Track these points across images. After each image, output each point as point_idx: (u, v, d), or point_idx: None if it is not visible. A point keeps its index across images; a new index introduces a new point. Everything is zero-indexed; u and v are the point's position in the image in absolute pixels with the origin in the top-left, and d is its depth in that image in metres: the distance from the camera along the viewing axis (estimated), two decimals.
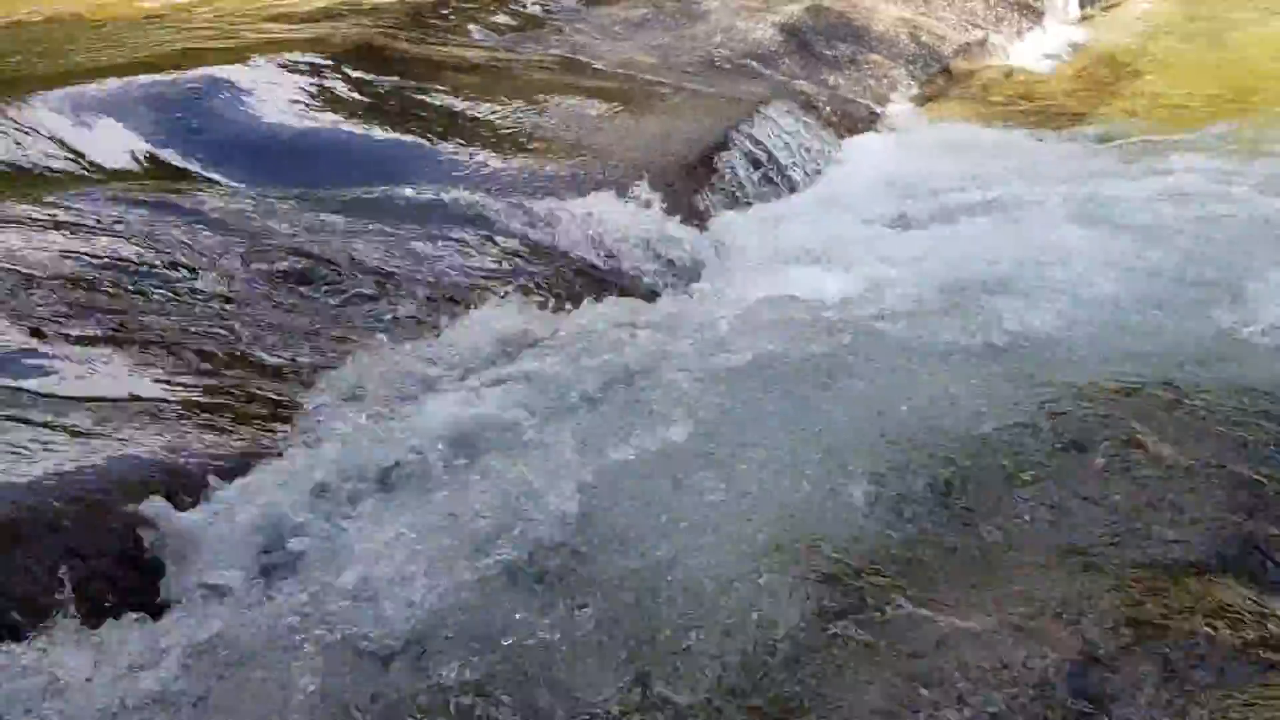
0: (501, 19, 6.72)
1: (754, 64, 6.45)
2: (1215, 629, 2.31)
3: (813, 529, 2.45)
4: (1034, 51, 7.06)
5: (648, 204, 4.24)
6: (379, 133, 4.89)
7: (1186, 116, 5.84)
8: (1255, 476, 2.77)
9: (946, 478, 2.63)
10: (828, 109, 5.96)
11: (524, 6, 6.90)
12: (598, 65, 6.12)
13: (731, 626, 2.26)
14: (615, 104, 5.47)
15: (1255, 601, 2.41)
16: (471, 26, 6.53)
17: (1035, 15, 7.40)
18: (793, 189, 4.99)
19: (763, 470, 2.52)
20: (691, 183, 4.74)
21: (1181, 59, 6.89)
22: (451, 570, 2.25)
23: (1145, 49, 7.12)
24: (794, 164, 5.20)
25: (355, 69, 5.41)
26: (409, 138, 4.85)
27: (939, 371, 2.99)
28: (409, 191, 4.15)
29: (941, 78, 6.71)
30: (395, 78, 5.43)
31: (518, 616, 2.21)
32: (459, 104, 5.23)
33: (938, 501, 2.58)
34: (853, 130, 5.75)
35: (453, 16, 6.56)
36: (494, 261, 3.66)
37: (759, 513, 2.48)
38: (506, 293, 3.34)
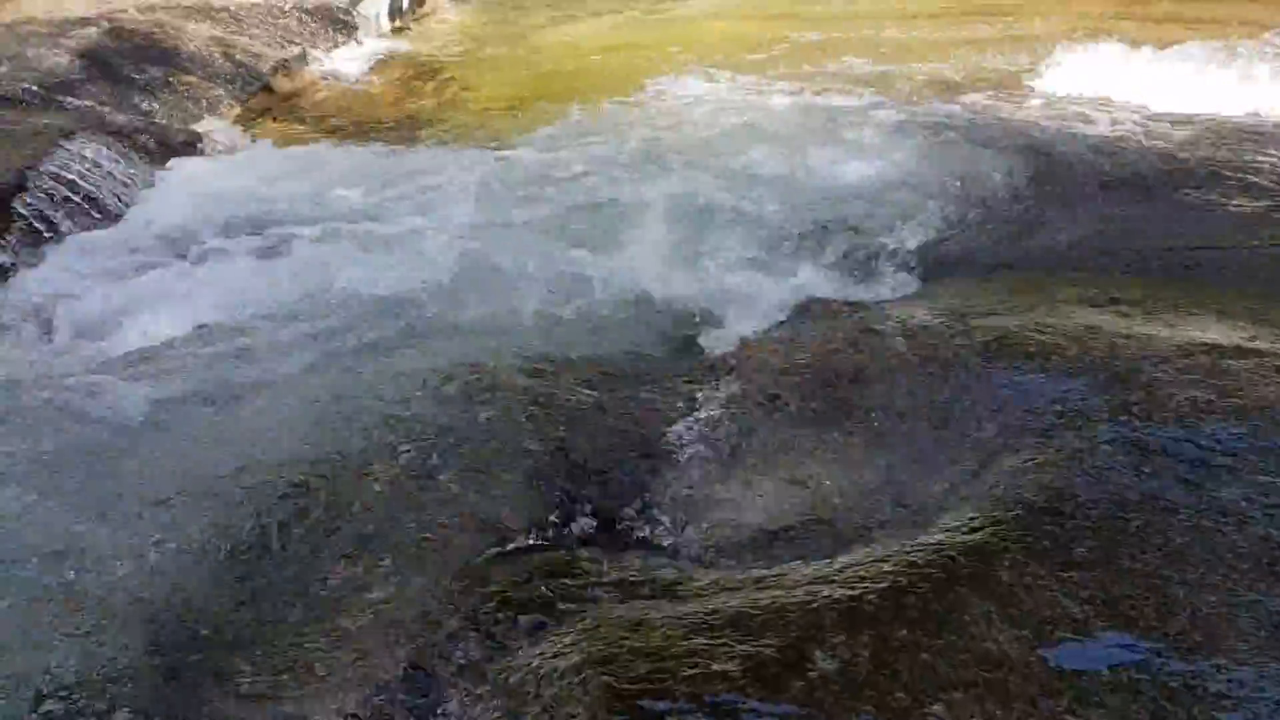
0: None
1: (53, 94, 5.91)
2: (541, 589, 2.55)
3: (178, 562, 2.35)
4: (352, 64, 7.24)
5: None
6: None
7: (493, 114, 6.35)
8: (570, 448, 3.09)
9: (295, 501, 2.68)
10: (143, 135, 5.63)
11: None
12: None
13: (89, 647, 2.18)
14: None
15: (576, 556, 2.70)
16: None
17: (349, 29, 7.59)
18: (106, 222, 4.66)
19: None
20: None
21: (487, 63, 7.46)
22: None
23: (455, 56, 7.61)
24: (106, 196, 4.86)
25: None
26: None
27: (263, 395, 3.00)
28: None
29: (264, 95, 6.65)
30: None
31: None
32: None
33: (285, 529, 2.61)
34: (172, 155, 5.49)
35: None
36: None
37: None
38: None
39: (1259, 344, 3.06)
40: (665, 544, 2.76)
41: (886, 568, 2.39)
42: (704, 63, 6.80)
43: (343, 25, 7.63)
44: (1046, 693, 1.99)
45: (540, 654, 2.24)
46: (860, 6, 8.14)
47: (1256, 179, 4.54)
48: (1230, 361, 2.94)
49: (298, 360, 3.48)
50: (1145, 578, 2.25)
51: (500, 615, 2.44)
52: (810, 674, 2.08)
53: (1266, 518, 2.38)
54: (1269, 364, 2.91)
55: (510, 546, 2.67)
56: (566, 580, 2.54)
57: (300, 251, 4.12)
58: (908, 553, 2.44)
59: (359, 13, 7.82)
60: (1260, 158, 4.75)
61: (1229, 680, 2.00)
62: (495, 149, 5.61)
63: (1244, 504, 2.43)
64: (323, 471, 2.94)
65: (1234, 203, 4.36)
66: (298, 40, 7.27)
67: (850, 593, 2.31)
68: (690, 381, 3.28)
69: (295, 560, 2.66)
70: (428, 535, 2.73)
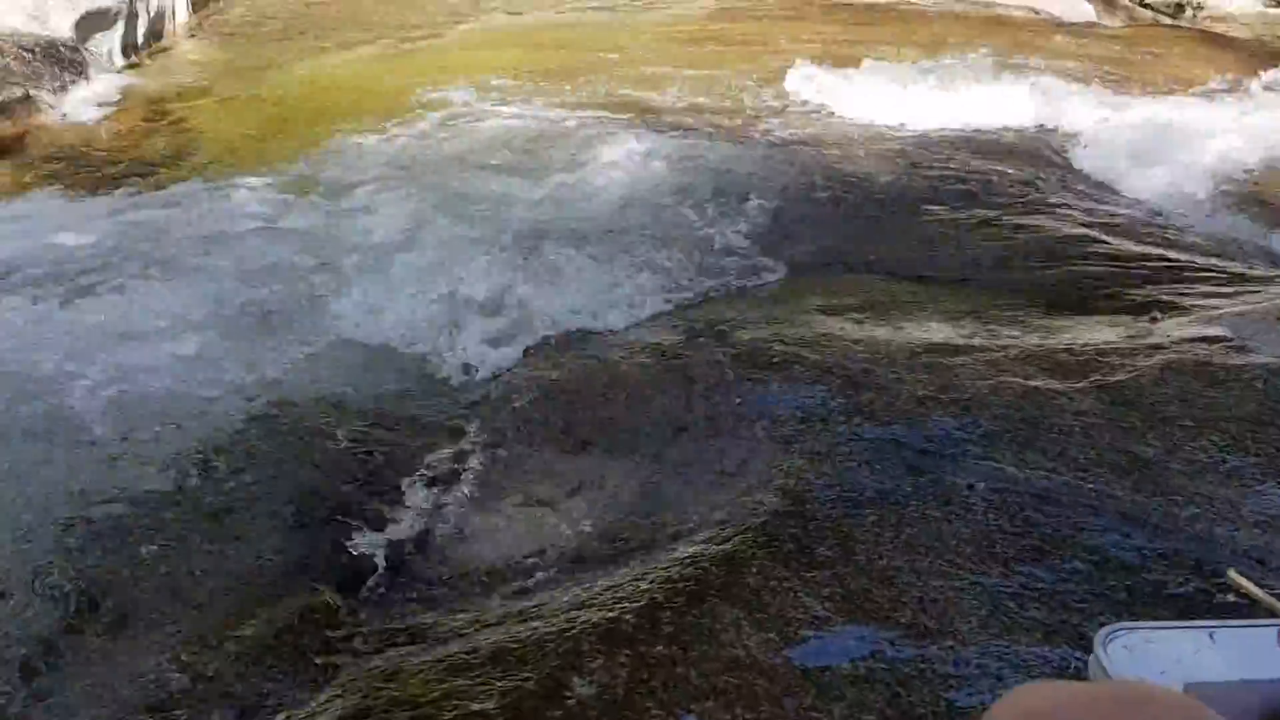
0: None
1: None
2: (293, 646, 2.47)
3: None
4: (84, 104, 6.80)
5: None
6: None
7: (240, 149, 6.11)
8: (320, 496, 3.01)
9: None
10: None
11: None
12: None
13: None
14: None
15: (330, 607, 2.61)
16: None
17: (77, 67, 7.13)
18: None
19: None
20: None
21: (232, 98, 7.17)
22: None
23: (197, 91, 7.28)
24: None
25: None
26: None
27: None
28: None
29: None
30: None
31: None
32: None
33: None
34: None
35: None
36: None
37: None
38: None
39: (975, 340, 3.29)
40: (425, 585, 2.71)
41: (644, 585, 2.43)
42: (460, 90, 6.77)
43: (71, 63, 7.16)
44: (791, 691, 2.07)
45: (289, 717, 2.16)
46: (618, 36, 8.29)
47: (973, 187, 4.89)
48: (950, 359, 3.15)
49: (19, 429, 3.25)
50: (880, 571, 2.37)
51: (248, 677, 2.34)
52: (569, 702, 2.09)
53: (985, 503, 2.56)
54: (983, 359, 3.14)
55: (258, 603, 2.56)
56: (320, 634, 2.47)
57: (15, 313, 3.85)
58: (665, 568, 2.49)
59: (88, 49, 7.37)
60: (974, 165, 5.12)
61: (955, 660, 2.13)
62: (240, 185, 5.39)
63: (966, 491, 2.60)
64: (47, 533, 2.76)
65: (955, 210, 4.68)
66: (19, 81, 6.78)
67: (609, 615, 2.33)
68: (442, 416, 3.25)
69: (19, 639, 2.48)
70: (167, 596, 2.60)
